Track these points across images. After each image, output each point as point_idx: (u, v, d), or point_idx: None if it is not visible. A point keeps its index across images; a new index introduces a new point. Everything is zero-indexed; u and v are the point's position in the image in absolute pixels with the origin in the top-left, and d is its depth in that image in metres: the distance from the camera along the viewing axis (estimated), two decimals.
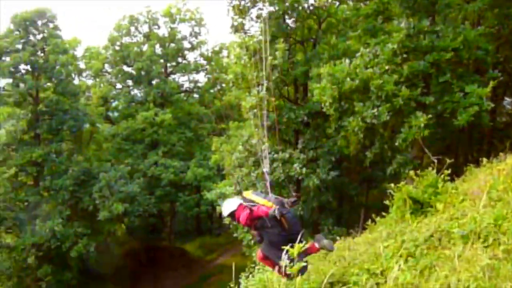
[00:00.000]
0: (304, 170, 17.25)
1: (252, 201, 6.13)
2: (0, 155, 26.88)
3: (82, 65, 35.92)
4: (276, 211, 5.78)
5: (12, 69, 27.99)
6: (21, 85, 28.31)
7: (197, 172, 31.13)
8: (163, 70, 36.89)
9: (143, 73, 34.59)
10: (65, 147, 28.82)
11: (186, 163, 32.35)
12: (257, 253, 6.40)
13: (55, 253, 26.55)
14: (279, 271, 5.70)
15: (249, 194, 6.37)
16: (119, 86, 37.65)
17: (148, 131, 32.93)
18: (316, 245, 6.14)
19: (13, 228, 27.30)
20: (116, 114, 37.33)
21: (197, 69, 38.12)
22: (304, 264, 5.48)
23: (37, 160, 27.11)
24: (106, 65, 37.02)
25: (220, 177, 28.99)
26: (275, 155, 17.98)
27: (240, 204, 6.11)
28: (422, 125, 13.36)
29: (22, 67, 28.65)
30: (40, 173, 27.89)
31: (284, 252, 5.26)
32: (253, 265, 8.41)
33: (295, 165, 17.43)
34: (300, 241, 5.45)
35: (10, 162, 26.84)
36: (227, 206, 6.23)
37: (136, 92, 37.52)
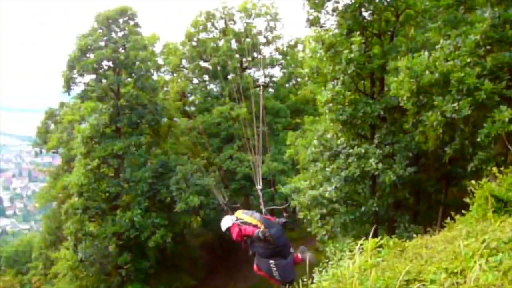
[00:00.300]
0: (380, 165, 16.88)
1: (242, 220, 7.14)
2: (84, 147, 28.11)
3: (160, 60, 36.88)
4: (260, 233, 6.75)
5: (95, 66, 29.19)
6: (104, 80, 29.55)
7: (272, 166, 31.27)
8: (238, 65, 37.29)
9: (219, 68, 35.13)
10: (144, 140, 29.75)
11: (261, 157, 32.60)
12: (253, 265, 7.29)
13: (134, 242, 27.56)
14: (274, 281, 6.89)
15: (239, 213, 7.35)
16: (195, 81, 38.44)
17: (224, 125, 33.43)
18: (299, 256, 7.04)
19: (96, 217, 28.58)
20: (192, 108, 38.16)
21: (272, 63, 38.24)
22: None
23: (118, 152, 28.18)
24: (184, 61, 37.88)
25: (294, 171, 29.01)
26: (350, 150, 17.75)
27: (233, 223, 7.20)
28: (507, 119, 12.69)
29: (105, 63, 29.85)
30: (120, 165, 29.00)
31: (272, 262, 6.65)
32: (326, 260, 8.39)
33: (371, 160, 17.09)
34: (286, 255, 6.83)
35: (93, 154, 28.01)
36: (224, 223, 7.41)
37: (212, 86, 38.21)
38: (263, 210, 7.55)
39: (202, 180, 28.38)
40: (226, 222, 7.43)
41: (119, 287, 28.21)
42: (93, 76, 30.02)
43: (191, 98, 38.12)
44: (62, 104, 38.58)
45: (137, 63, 29.39)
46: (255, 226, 6.96)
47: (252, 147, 9.02)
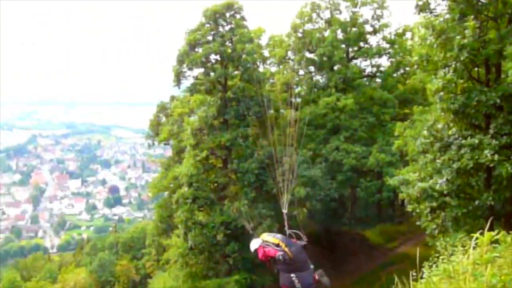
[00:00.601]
0: (496, 157, 15.81)
1: (267, 242, 8.12)
2: (193, 139, 28.99)
3: (266, 53, 37.11)
4: (280, 257, 7.74)
5: (203, 60, 29.94)
6: (212, 74, 30.25)
7: (379, 158, 30.51)
8: (345, 55, 36.67)
9: (325, 58, 34.78)
10: (251, 132, 30.12)
11: (368, 149, 31.89)
12: (280, 283, 8.07)
13: (241, 232, 28.03)
14: None
15: (265, 236, 8.39)
16: (301, 72, 38.29)
17: (330, 116, 33.04)
18: (316, 277, 7.98)
19: (205, 207, 29.41)
20: (298, 99, 38.11)
21: (379, 53, 37.18)
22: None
23: (225, 144, 28.79)
24: (289, 52, 37.87)
25: (403, 163, 28.09)
26: (463, 141, 16.81)
27: (260, 244, 8.21)
28: None
29: (213, 57, 30.53)
30: (228, 156, 29.62)
31: (293, 276, 7.67)
32: (437, 255, 8.00)
33: (486, 151, 16.07)
34: (305, 269, 7.85)
35: (202, 145, 28.81)
36: (252, 246, 8.44)
37: (318, 77, 37.91)
38: (287, 232, 8.43)
39: (309, 171, 28.25)
40: (254, 244, 8.43)
41: (226, 275, 28.88)
42: (202, 70, 30.82)
43: (297, 90, 38.04)
44: (172, 98, 40.09)
45: (244, 56, 29.76)
46: (278, 245, 7.95)
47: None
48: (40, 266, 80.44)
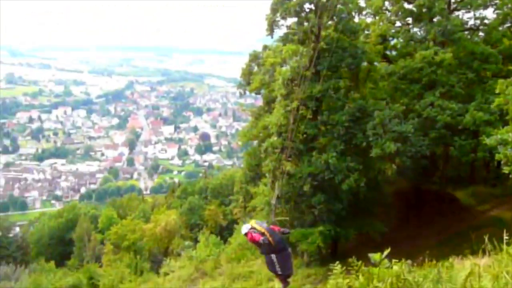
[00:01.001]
0: None
1: (255, 229, 10.15)
2: (284, 89, 29.02)
3: (362, 3, 35.95)
4: (262, 241, 9.83)
5: (297, 9, 29.57)
6: (305, 23, 29.87)
7: (477, 116, 29.09)
8: (446, 6, 34.75)
9: (424, 9, 33.15)
10: (343, 84, 29.68)
11: (465, 106, 30.46)
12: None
13: (328, 184, 28.10)
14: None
15: (253, 223, 10.40)
16: (398, 24, 36.83)
17: (426, 71, 31.71)
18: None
19: (293, 157, 29.62)
20: (394, 52, 36.90)
21: (485, 4, 34.88)
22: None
23: (316, 95, 28.60)
24: (386, 3, 36.43)
25: (502, 122, 26.66)
26: None
27: (249, 230, 10.23)
28: None
29: (307, 6, 30.06)
30: (318, 108, 29.46)
31: (274, 256, 9.92)
32: None
33: None
34: (283, 251, 10.02)
35: (293, 96, 28.79)
36: (243, 229, 10.54)
37: (415, 30, 36.28)
38: (265, 224, 10.33)
39: (400, 127, 27.58)
40: (244, 229, 10.52)
41: (311, 225, 29.21)
42: (295, 19, 30.51)
43: (392, 42, 36.78)
44: (265, 47, 40.03)
45: (339, 6, 29.11)
46: (263, 233, 9.94)
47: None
48: (135, 206, 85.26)
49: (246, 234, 10.34)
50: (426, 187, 36.06)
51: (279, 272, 10.15)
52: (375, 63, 33.05)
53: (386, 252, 6.12)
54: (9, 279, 50.57)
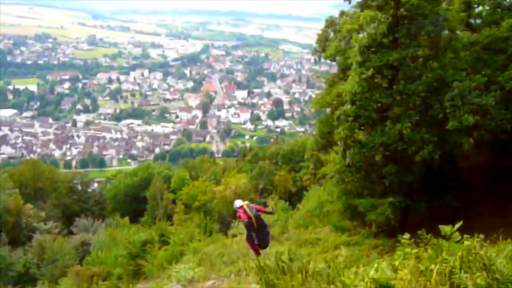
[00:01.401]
0: None
1: (245, 210, 12.58)
2: (360, 56, 28.40)
3: None
4: (245, 223, 12.66)
5: None
6: None
7: None
8: None
9: None
10: (421, 52, 28.63)
11: None
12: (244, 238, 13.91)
13: (400, 155, 27.50)
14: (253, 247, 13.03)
15: (245, 204, 12.83)
16: None
17: None
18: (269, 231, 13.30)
19: (365, 126, 29.16)
20: (478, 20, 35.16)
21: None
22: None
23: (393, 63, 27.80)
24: None
25: None
26: None
27: (241, 206, 12.73)
28: None
29: None
30: (394, 77, 28.64)
31: (254, 234, 12.48)
32: None
33: None
34: (263, 230, 12.69)
35: (369, 64, 28.11)
36: (236, 203, 13.04)
37: None
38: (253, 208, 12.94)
39: (480, 99, 26.43)
40: (236, 203, 13.00)
41: (381, 196, 28.84)
42: None
43: (477, 9, 35.03)
44: (342, 13, 39.29)
45: None
46: (250, 217, 12.47)
47: None
48: (206, 168, 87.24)
49: (236, 209, 12.98)
50: (505, 163, 34.61)
51: (257, 243, 12.81)
52: (457, 32, 31.60)
53: (457, 225, 6.01)
54: (87, 231, 53.61)
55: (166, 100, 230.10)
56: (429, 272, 5.56)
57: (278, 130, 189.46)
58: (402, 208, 28.30)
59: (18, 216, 53.08)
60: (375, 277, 5.80)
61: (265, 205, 41.71)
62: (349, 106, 28.49)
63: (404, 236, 6.73)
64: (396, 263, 6.26)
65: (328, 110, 39.55)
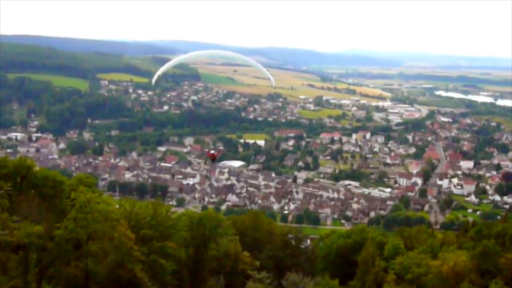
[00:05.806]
0: None
1: (213, 153, 47.30)
2: None
3: None
4: (212, 152, 48.36)
5: None
6: None
7: None
8: None
9: None
10: None
11: None
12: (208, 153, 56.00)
13: None
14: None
15: (211, 150, 47.94)
16: None
17: None
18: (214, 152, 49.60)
19: None
20: None
21: None
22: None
23: None
24: None
25: None
26: None
27: (210, 152, 47.96)
28: None
29: None
30: None
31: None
32: None
33: None
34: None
35: None
36: (212, 151, 51.62)
37: None
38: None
39: None
40: (210, 151, 47.11)
41: None
42: None
43: None
44: None
45: None
46: (213, 154, 46.35)
47: None
48: (423, 239, 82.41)
49: (208, 152, 46.87)
50: None
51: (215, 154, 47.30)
52: None
53: None
54: (296, 286, 54.27)
55: (386, 164, 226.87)
56: None
57: (507, 206, 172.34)
58: None
59: (235, 262, 56.00)
60: None
61: None
62: None
63: None
64: None
65: None
